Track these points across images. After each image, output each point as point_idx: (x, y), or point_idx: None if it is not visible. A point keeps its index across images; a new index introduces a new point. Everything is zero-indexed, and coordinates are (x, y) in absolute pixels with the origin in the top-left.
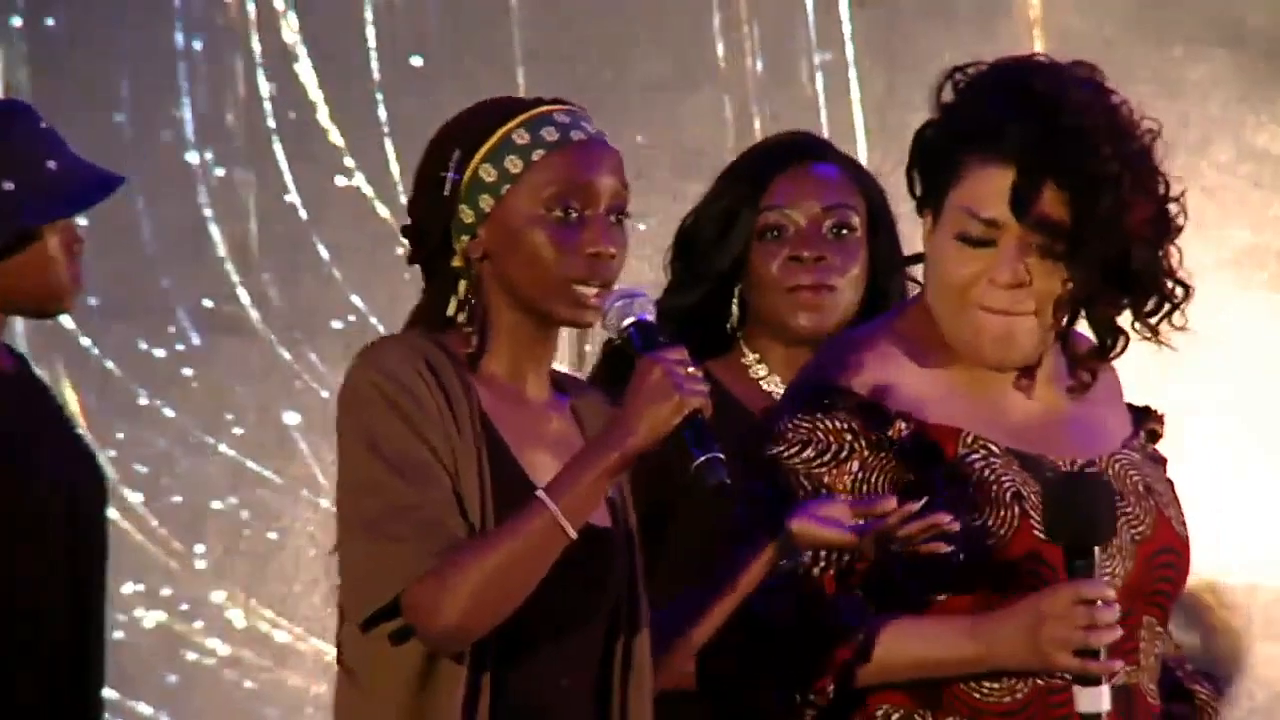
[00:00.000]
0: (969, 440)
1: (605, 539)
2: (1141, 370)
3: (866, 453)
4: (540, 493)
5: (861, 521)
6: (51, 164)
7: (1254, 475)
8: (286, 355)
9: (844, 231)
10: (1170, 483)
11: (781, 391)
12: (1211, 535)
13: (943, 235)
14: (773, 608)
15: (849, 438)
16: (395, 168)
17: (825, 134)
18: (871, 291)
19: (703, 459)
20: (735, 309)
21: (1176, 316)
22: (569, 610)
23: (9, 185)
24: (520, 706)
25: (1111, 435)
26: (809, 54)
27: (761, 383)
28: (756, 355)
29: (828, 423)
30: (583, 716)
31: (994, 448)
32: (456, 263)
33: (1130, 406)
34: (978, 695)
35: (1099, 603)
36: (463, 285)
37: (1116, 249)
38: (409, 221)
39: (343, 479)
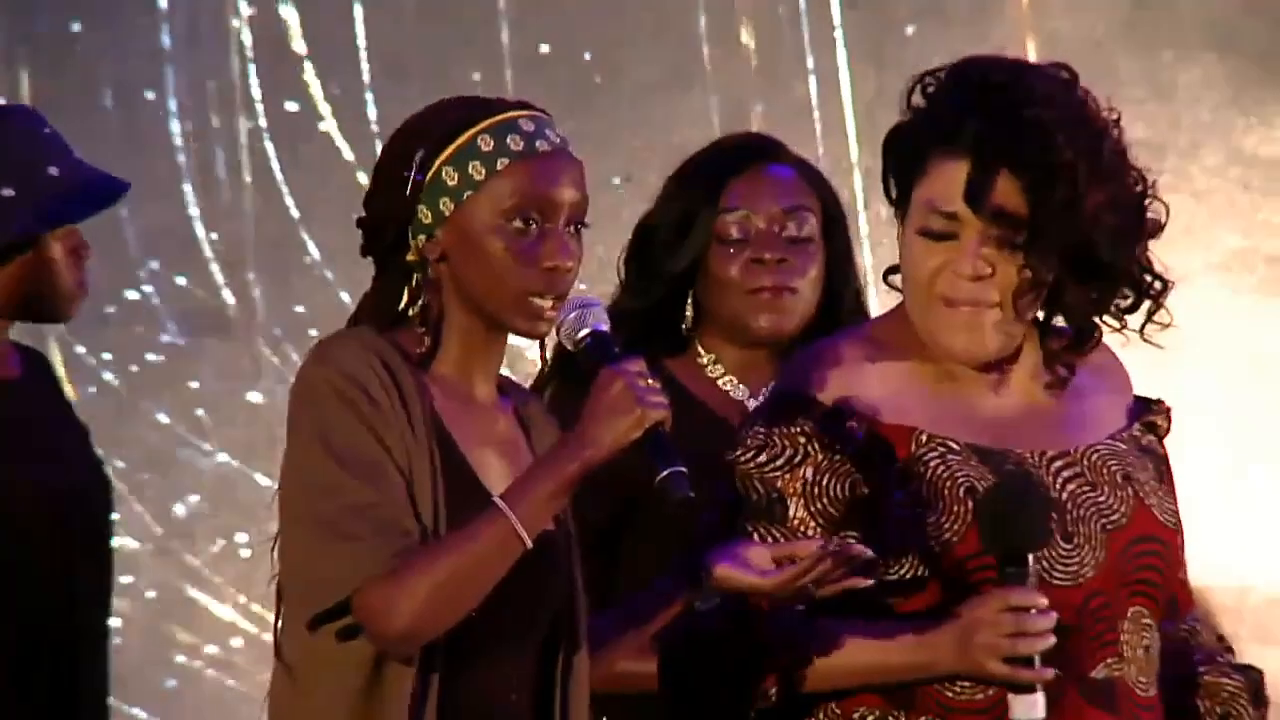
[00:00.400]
0: (923, 439)
1: (552, 544)
2: (1130, 373)
3: (820, 457)
4: (499, 500)
5: (781, 566)
6: (53, 169)
7: (1245, 478)
8: (274, 357)
9: (803, 233)
10: (1162, 473)
11: (739, 391)
12: (1203, 538)
13: (909, 232)
14: (709, 620)
15: (803, 441)
16: None
17: (818, 136)
18: (826, 294)
19: (666, 473)
20: (689, 310)
21: (1161, 314)
22: (515, 616)
23: (9, 191)
24: (467, 708)
25: (1097, 427)
26: (801, 56)
27: (719, 382)
28: (712, 356)
29: (784, 428)
30: (526, 717)
31: (953, 444)
32: (411, 257)
33: (1137, 399)
34: (950, 694)
35: (1031, 610)
36: (416, 277)
37: (1074, 238)
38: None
39: (294, 475)
